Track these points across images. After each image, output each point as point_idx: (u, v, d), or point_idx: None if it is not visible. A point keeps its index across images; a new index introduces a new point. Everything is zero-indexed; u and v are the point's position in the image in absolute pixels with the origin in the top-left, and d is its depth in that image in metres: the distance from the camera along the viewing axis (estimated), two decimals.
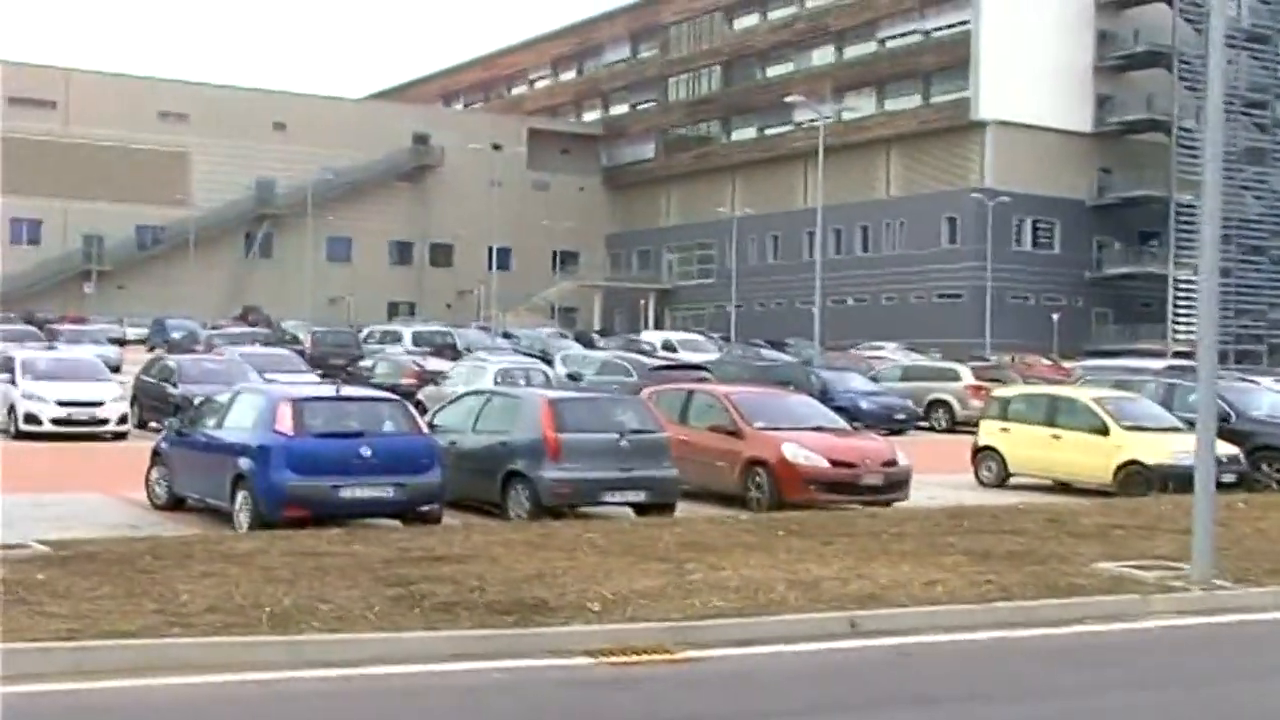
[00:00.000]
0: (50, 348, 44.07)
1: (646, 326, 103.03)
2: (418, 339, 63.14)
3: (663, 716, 10.09)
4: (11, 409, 31.18)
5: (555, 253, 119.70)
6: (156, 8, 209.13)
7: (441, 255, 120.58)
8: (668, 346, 69.38)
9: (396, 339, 64.57)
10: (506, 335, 74.44)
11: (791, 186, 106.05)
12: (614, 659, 11.42)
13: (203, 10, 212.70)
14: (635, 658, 11.50)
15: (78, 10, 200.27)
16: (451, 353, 55.73)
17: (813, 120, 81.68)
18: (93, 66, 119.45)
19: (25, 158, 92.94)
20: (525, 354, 53.41)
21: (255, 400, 19.86)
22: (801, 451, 22.65)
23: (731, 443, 23.39)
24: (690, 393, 26.06)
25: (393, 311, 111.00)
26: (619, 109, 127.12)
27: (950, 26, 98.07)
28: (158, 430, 28.44)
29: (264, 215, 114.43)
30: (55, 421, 31.39)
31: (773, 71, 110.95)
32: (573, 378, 42.38)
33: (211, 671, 10.64)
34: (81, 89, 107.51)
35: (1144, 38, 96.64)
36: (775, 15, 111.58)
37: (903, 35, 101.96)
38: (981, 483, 27.74)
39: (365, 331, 69.59)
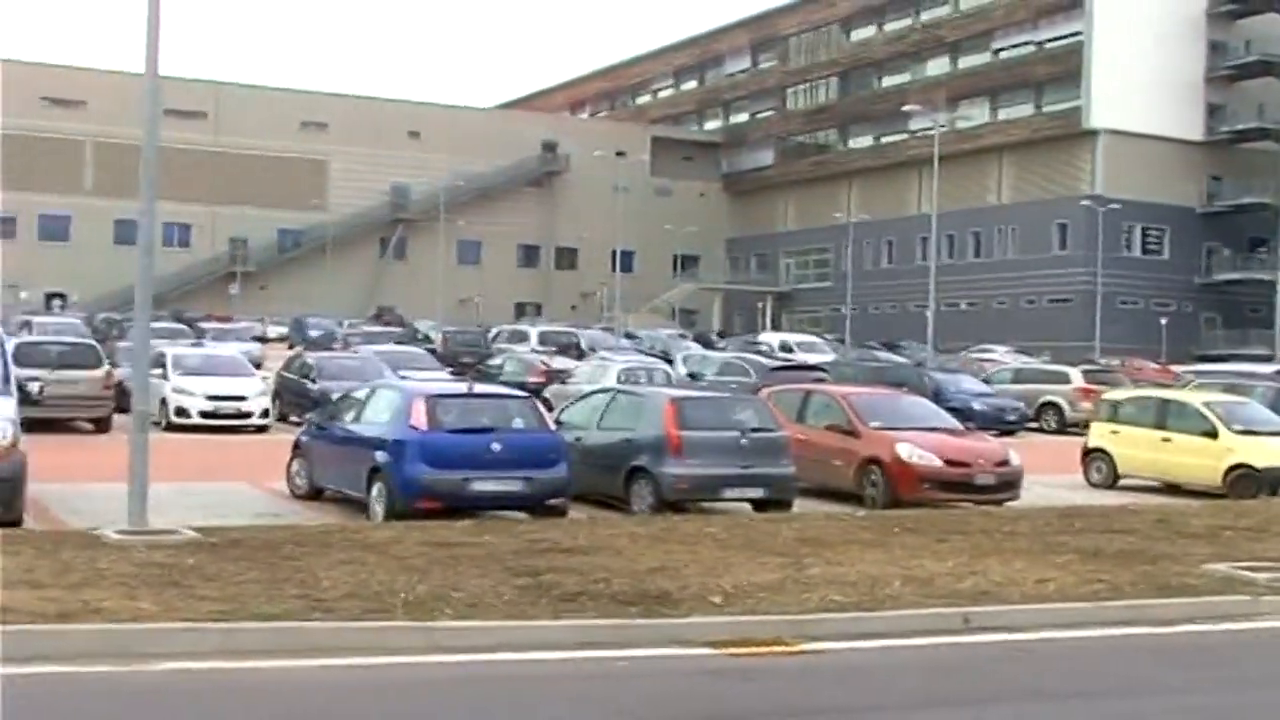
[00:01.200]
0: (198, 345, 44.74)
1: (764, 328, 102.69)
2: (544, 339, 63.41)
3: (782, 707, 10.06)
4: (163, 402, 31.68)
5: (676, 256, 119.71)
6: (299, 24, 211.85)
7: (567, 258, 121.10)
8: (785, 348, 69.17)
9: (523, 338, 64.89)
10: (629, 336, 74.58)
11: (906, 193, 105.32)
12: (734, 650, 11.41)
13: (342, 24, 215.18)
14: (755, 649, 11.49)
15: (227, 28, 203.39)
16: (576, 352, 55.95)
17: (927, 128, 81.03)
18: (240, 80, 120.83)
19: (177, 166, 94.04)
20: (647, 354, 53.45)
21: (391, 396, 20.06)
22: (916, 451, 22.52)
23: (848, 442, 23.30)
24: (808, 393, 25.99)
25: (519, 312, 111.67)
26: (739, 117, 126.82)
27: (1063, 37, 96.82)
28: (297, 424, 28.83)
29: (398, 220, 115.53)
30: (203, 415, 31.95)
31: (888, 81, 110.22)
32: (693, 377, 42.39)
33: (350, 654, 10.77)
34: (229, 101, 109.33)
35: (1255, 47, 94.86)
36: (891, 27, 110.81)
37: (1016, 46, 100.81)
38: (1091, 484, 27.40)
39: (494, 331, 70.02)
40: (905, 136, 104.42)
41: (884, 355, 64.47)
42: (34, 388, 23.08)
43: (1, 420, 16.33)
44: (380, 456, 18.68)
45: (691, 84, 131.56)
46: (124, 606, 11.30)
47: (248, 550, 14.09)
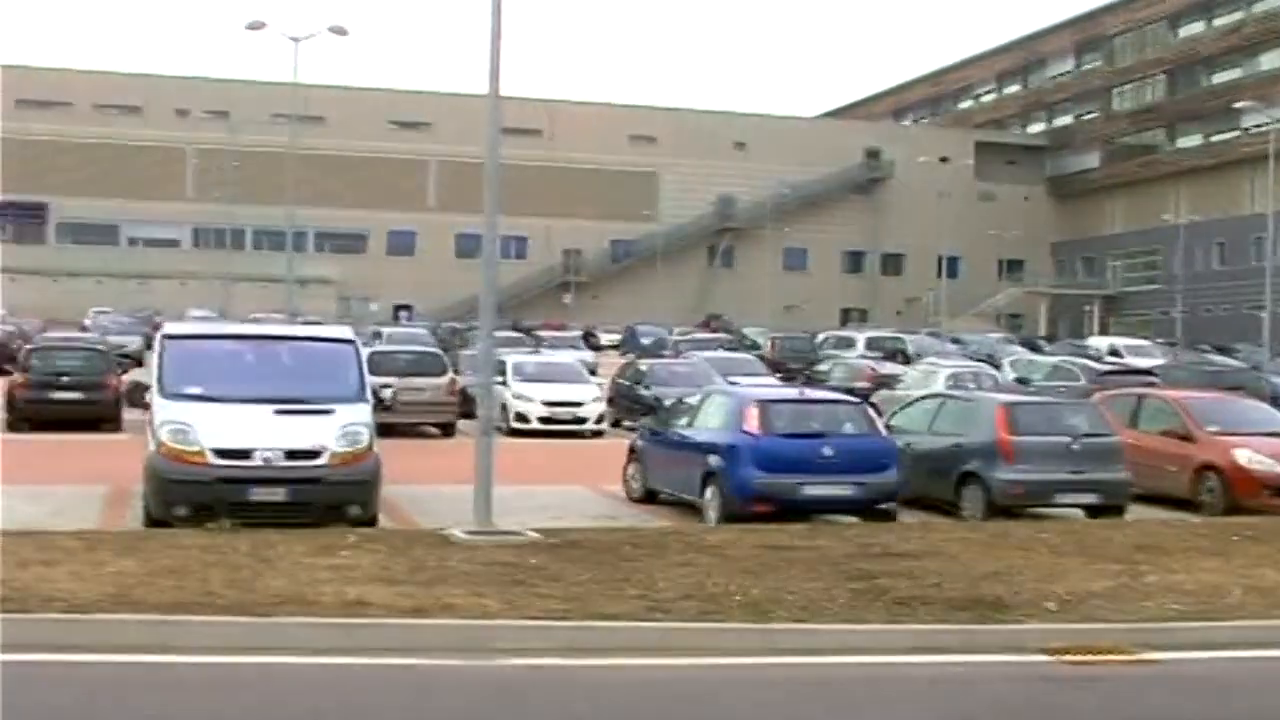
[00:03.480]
0: (535, 352, 45.74)
1: (1091, 332, 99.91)
2: (871, 344, 62.88)
3: (1122, 717, 9.74)
4: (504, 408, 32.42)
5: (1001, 261, 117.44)
6: (628, 40, 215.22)
7: (892, 264, 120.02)
8: (1114, 352, 67.04)
9: (850, 344, 64.46)
10: (955, 341, 73.39)
11: (1238, 192, 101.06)
12: (1071, 657, 11.10)
13: (669, 39, 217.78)
14: (1092, 657, 11.14)
15: (559, 47, 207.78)
16: (903, 357, 55.34)
17: (1260, 125, 77.67)
18: (572, 97, 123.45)
19: (514, 181, 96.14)
20: (974, 359, 52.53)
21: (724, 402, 20.14)
22: (1256, 456, 21.54)
23: (1183, 447, 22.44)
24: (1140, 397, 25.16)
25: (845, 318, 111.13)
26: (1063, 120, 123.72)
27: None
28: (631, 429, 29.18)
29: (725, 229, 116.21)
30: (541, 420, 32.60)
31: (1219, 78, 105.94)
32: (1021, 382, 41.43)
33: (687, 654, 10.83)
34: (563, 118, 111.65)
35: None
36: (1221, 21, 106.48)
37: None
38: None
39: (821, 337, 69.77)
40: (1237, 134, 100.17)
41: (1218, 359, 61.97)
42: (386, 394, 23.97)
43: (359, 425, 16.98)
44: (714, 461, 18.78)
45: (1015, 87, 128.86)
46: (473, 603, 11.61)
47: (587, 551, 14.32)
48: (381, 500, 17.38)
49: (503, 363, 33.72)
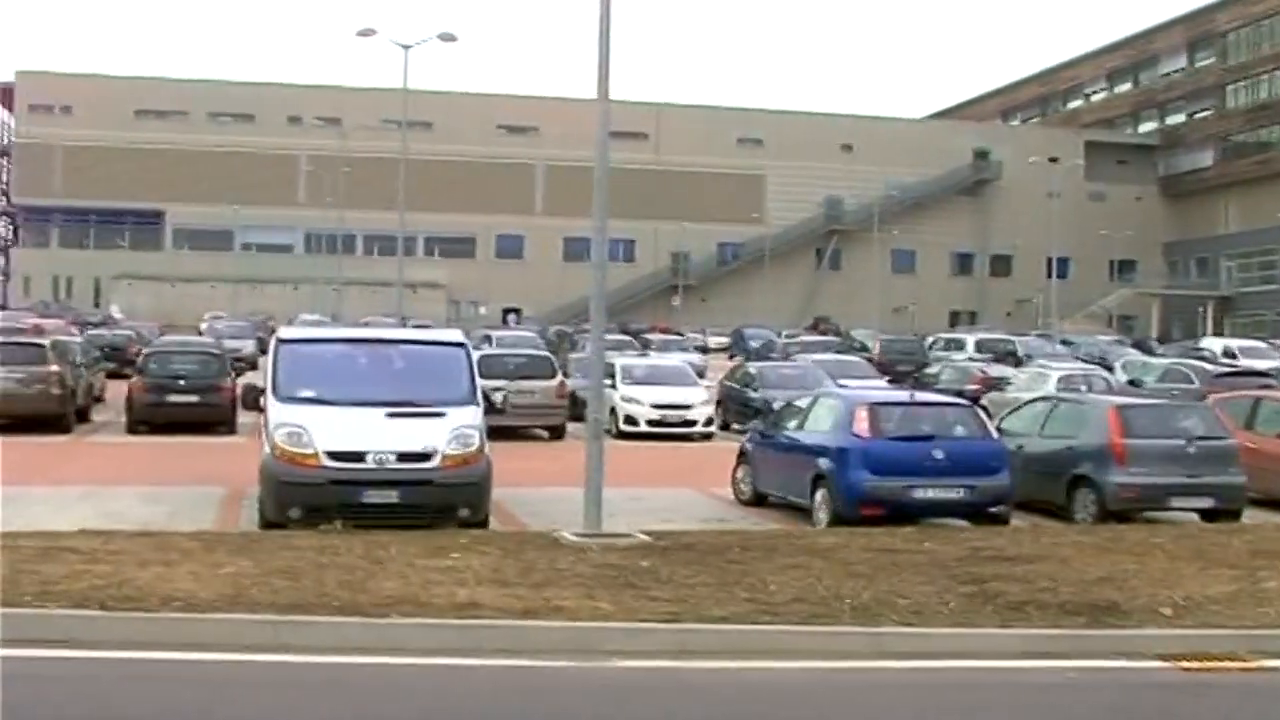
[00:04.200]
0: (644, 355, 45.79)
1: (1205, 333, 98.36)
2: (980, 346, 62.32)
3: None
4: (612, 411, 32.47)
5: (1112, 262, 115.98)
6: (731, 45, 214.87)
7: (1000, 265, 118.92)
8: (1228, 354, 65.97)
9: (959, 346, 63.92)
10: (1065, 342, 72.53)
11: None
12: (1187, 664, 10.93)
13: (775, 41, 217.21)
14: (1209, 664, 10.96)
15: (666, 50, 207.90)
16: (1013, 360, 54.79)
17: None
18: (678, 100, 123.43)
19: (621, 185, 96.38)
20: (1085, 361, 51.90)
21: (834, 405, 20.05)
22: None
23: None
24: (1257, 399, 24.70)
25: (954, 320, 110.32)
26: (1175, 118, 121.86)
27: None
28: (740, 432, 29.14)
29: (833, 231, 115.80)
30: (650, 423, 32.62)
31: None
32: (1133, 384, 40.89)
33: (797, 658, 10.79)
34: (669, 121, 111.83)
35: None
36: None
37: None
38: None
39: (929, 339, 69.27)
40: None
41: None
42: (497, 398, 24.13)
43: (470, 428, 17.10)
44: (824, 464, 18.70)
45: (1125, 86, 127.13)
46: (583, 605, 11.65)
47: (697, 554, 14.31)
48: (492, 502, 17.48)
49: (612, 366, 33.73)
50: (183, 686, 9.68)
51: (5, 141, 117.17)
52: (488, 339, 50.66)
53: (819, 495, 18.74)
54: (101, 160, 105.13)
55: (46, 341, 33.54)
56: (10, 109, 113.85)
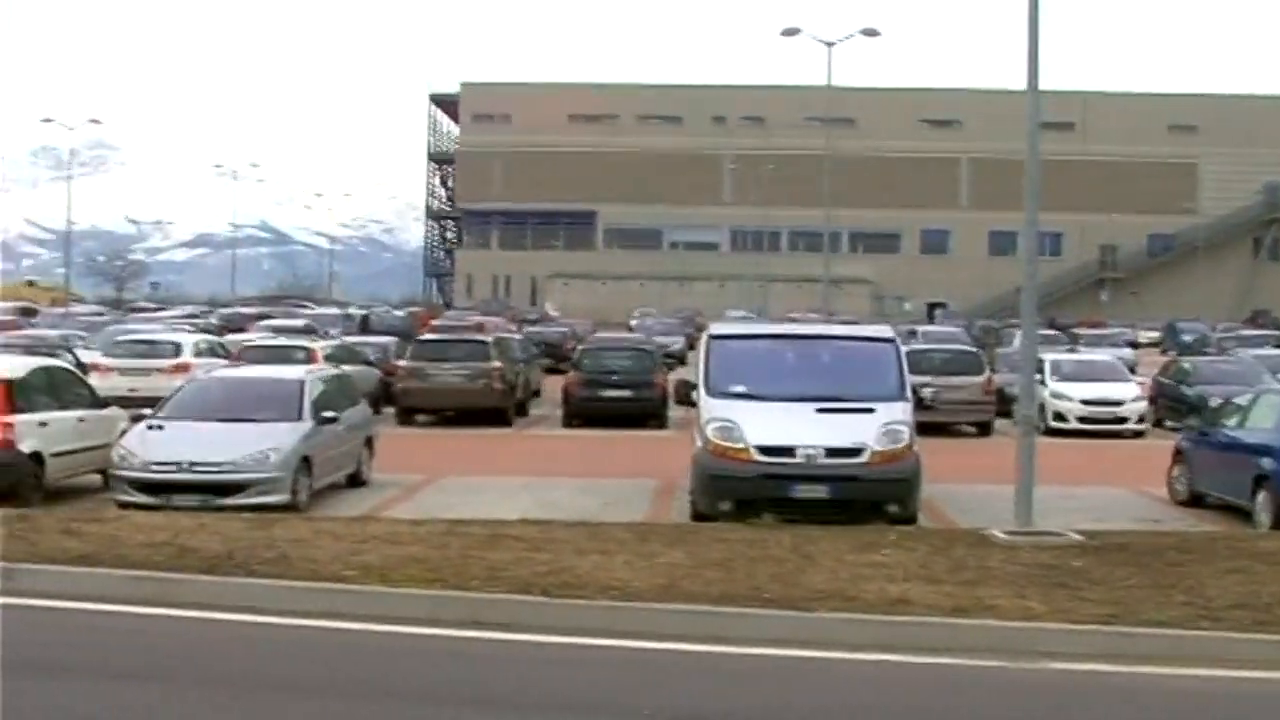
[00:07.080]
0: (1072, 351, 44.67)
1: None
2: None
3: None
4: (1041, 407, 31.82)
5: None
6: (1161, 29, 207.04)
7: None
8: None
9: None
10: None
11: None
12: None
13: (1206, 24, 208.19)
14: None
15: (1090, 39, 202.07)
16: None
17: None
18: (1106, 88, 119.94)
19: (1048, 176, 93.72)
20: None
21: (1276, 402, 19.13)
22: None
23: None
24: None
25: None
26: None
27: None
28: (1174, 429, 28.10)
29: (1273, 219, 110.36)
30: (1080, 419, 31.84)
31: None
32: None
33: (1239, 666, 10.31)
34: (1096, 110, 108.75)
35: None
36: None
37: None
38: None
39: None
40: None
41: None
42: (927, 393, 24.00)
43: (899, 424, 17.06)
44: (1266, 464, 17.82)
45: None
46: (1015, 605, 11.46)
47: (1131, 555, 13.88)
48: (920, 499, 17.39)
49: (1041, 361, 33.05)
50: (618, 671, 10.03)
51: (450, 150, 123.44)
52: (914, 334, 50.30)
53: (1261, 497, 17.87)
54: (537, 164, 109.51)
55: (490, 339, 35.13)
56: (455, 119, 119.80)
